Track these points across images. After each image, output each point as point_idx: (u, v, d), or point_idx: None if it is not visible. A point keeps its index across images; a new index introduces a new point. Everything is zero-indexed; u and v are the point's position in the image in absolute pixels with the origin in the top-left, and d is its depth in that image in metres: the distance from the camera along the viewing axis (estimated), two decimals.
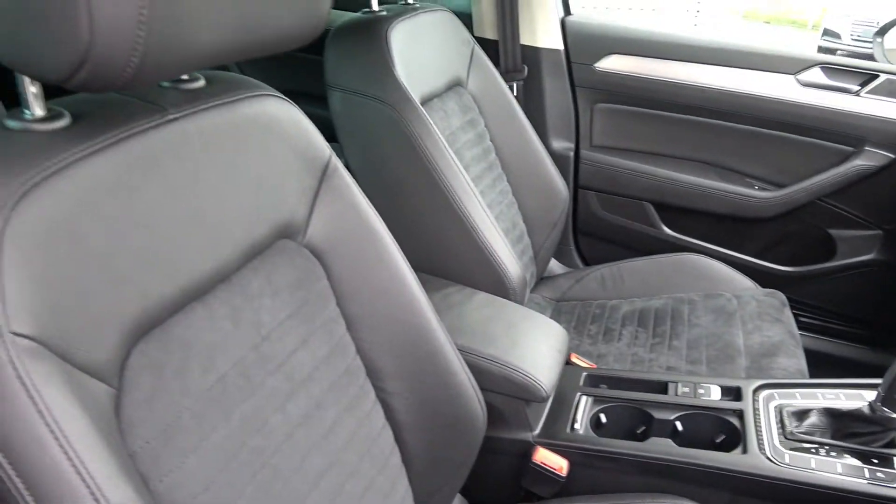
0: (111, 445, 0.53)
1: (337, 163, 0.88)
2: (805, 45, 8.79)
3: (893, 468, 0.96)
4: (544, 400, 1.10)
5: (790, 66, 1.71)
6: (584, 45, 1.85)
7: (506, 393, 1.10)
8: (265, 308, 0.76)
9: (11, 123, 0.59)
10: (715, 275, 1.70)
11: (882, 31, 1.78)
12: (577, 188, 1.95)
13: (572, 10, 1.92)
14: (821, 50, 8.55)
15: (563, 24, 1.84)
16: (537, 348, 1.15)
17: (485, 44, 1.74)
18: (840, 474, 0.96)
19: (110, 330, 0.57)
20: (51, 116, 0.59)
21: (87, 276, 0.56)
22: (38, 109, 0.59)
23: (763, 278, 1.72)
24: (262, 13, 0.60)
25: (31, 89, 0.58)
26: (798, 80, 1.71)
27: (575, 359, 1.34)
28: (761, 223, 1.84)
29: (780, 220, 1.83)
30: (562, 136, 1.91)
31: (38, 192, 0.53)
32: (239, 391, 0.70)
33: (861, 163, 1.68)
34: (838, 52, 8.36)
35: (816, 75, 1.70)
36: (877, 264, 1.75)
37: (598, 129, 1.91)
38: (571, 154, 1.92)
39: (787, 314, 1.55)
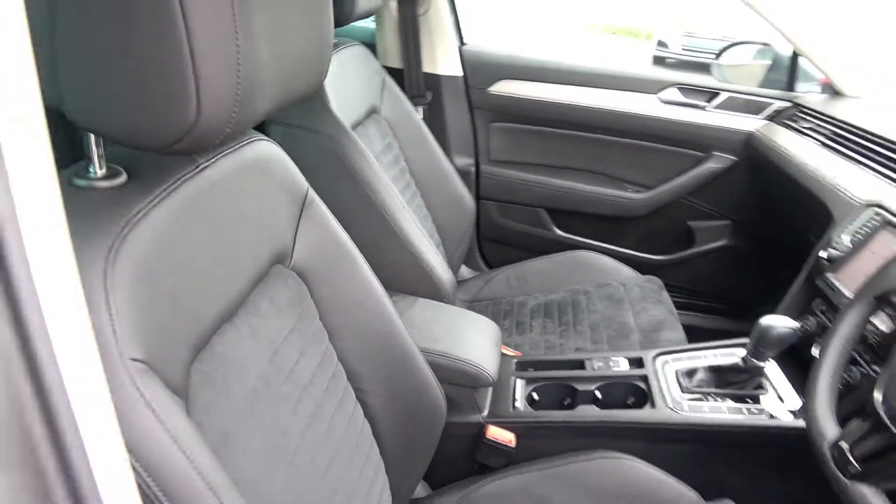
0: (210, 452, 0.63)
1: (313, 194, 1.01)
2: (641, 53, 9.71)
3: (760, 404, 1.24)
4: (491, 385, 1.29)
5: (652, 87, 2.02)
6: (479, 72, 2.07)
7: (458, 383, 1.27)
8: (273, 326, 0.89)
9: (79, 182, 0.68)
10: (603, 267, 1.98)
11: (719, 55, 2.14)
12: (479, 199, 2.17)
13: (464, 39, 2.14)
14: (655, 59, 9.51)
15: (460, 52, 2.05)
16: (478, 342, 1.34)
17: (391, 72, 1.91)
18: (725, 414, 1.22)
19: (181, 351, 0.68)
20: (110, 174, 0.69)
21: (165, 307, 0.66)
22: (101, 169, 0.69)
23: (641, 267, 2.01)
24: (297, 75, 0.74)
25: (97, 150, 0.68)
26: (659, 99, 2.03)
27: (503, 350, 1.54)
28: (636, 220, 2.15)
29: (650, 216, 2.14)
30: (463, 153, 2.12)
31: (126, 243, 0.63)
32: (265, 398, 0.83)
33: (711, 165, 2.02)
34: (668, 59, 9.37)
35: (673, 94, 2.02)
36: (728, 249, 2.10)
37: (494, 146, 2.14)
38: (473, 169, 2.14)
39: (665, 296, 1.84)
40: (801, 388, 1.25)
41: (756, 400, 1.26)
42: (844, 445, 0.84)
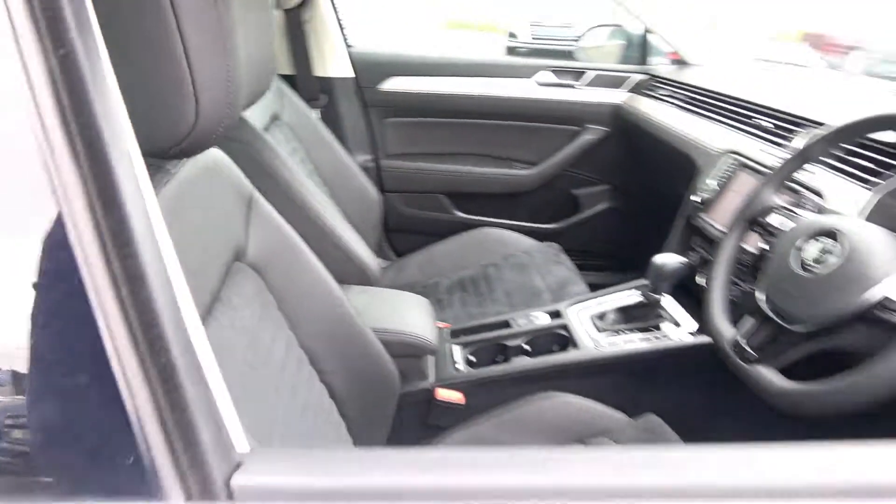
0: None
1: (256, 193, 1.08)
2: (495, 45, 10.15)
3: (662, 330, 1.45)
4: (434, 352, 1.40)
5: (527, 71, 2.22)
6: (368, 71, 2.17)
7: (405, 354, 1.37)
8: (247, 315, 0.95)
9: None
10: (505, 240, 2.14)
11: (580, 37, 2.38)
12: (383, 192, 2.27)
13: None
14: (508, 49, 10.00)
15: (349, 55, 2.14)
16: (415, 316, 1.45)
17: (285, 79, 1.96)
18: (638, 343, 1.42)
19: None
20: None
21: None
22: None
23: (538, 236, 2.20)
24: (259, 77, 0.81)
25: None
26: (535, 82, 2.22)
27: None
28: (527, 195, 2.34)
29: (539, 190, 2.34)
30: (362, 150, 2.22)
31: None
32: (252, 381, 0.89)
33: (587, 137, 2.25)
34: (519, 49, 9.89)
35: (547, 76, 2.23)
36: (611, 210, 2.34)
37: (390, 140, 2.25)
38: (373, 164, 2.24)
39: (564, 257, 2.04)
40: (694, 313, 1.47)
41: (658, 328, 1.46)
42: (741, 340, 1.03)
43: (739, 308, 1.21)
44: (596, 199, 2.36)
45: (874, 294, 0.86)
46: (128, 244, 0.40)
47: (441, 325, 1.66)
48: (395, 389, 1.26)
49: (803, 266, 0.96)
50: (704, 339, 1.40)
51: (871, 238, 0.92)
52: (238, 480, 0.43)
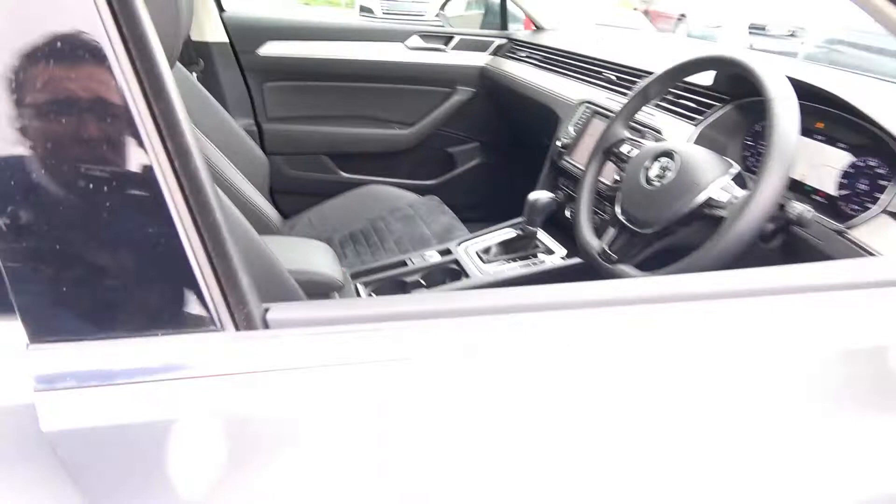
0: None
1: None
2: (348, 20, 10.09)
3: (538, 257, 1.68)
4: (341, 287, 1.53)
5: (399, 36, 2.36)
6: (244, 36, 2.21)
7: (315, 293, 1.49)
8: None
9: None
10: (390, 196, 2.29)
11: (443, 7, 2.55)
12: (266, 155, 2.32)
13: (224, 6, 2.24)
14: None
15: (223, 20, 2.16)
16: (320, 256, 1.56)
17: None
18: (520, 269, 1.63)
19: None
20: None
21: None
22: None
23: (418, 191, 2.37)
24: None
25: None
26: (406, 46, 2.37)
27: None
28: (405, 154, 2.50)
29: (416, 149, 2.50)
30: (243, 115, 2.26)
31: None
32: None
33: (457, 98, 2.44)
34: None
35: (417, 41, 2.38)
36: (483, 165, 2.56)
37: (271, 104, 2.31)
38: (255, 128, 2.28)
39: (446, 208, 2.22)
40: (564, 242, 1.71)
41: (536, 256, 1.69)
42: (605, 247, 1.26)
43: (602, 226, 1.45)
44: (469, 156, 2.57)
45: (701, 197, 1.11)
46: (175, 126, 0.51)
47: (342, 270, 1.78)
48: None
49: (648, 181, 1.20)
50: (574, 260, 1.65)
51: (697, 156, 1.17)
52: (271, 315, 0.57)
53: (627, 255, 1.23)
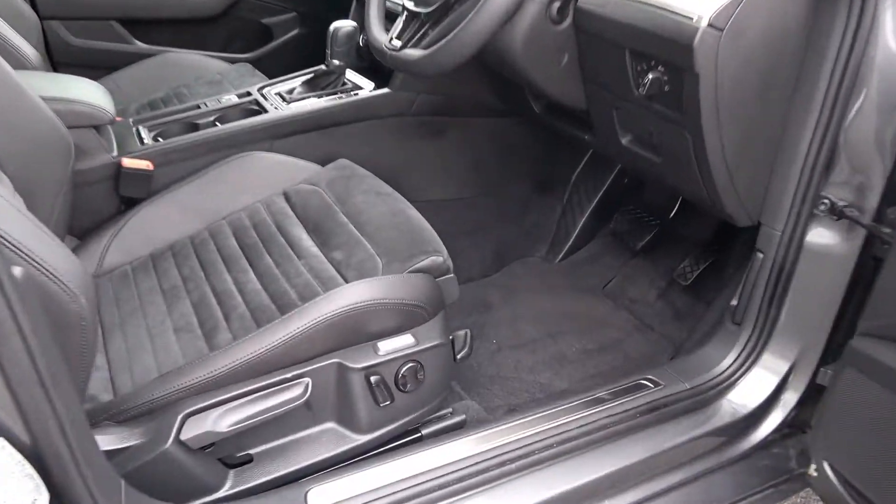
0: None
1: None
2: None
3: (353, 93, 1.55)
4: (110, 122, 1.33)
5: None
6: None
7: (79, 125, 1.28)
8: None
9: None
10: (195, 64, 2.06)
11: None
12: (40, 18, 2.00)
13: None
14: None
15: None
16: (88, 89, 1.35)
17: None
18: (331, 102, 1.51)
19: None
20: None
21: None
22: None
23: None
24: None
25: None
26: None
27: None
28: (214, 23, 2.25)
29: (227, 19, 2.27)
30: None
31: None
32: None
33: None
34: None
35: None
36: (302, 35, 2.37)
37: None
38: None
39: (259, 73, 2.03)
40: (373, 77, 1.59)
41: (344, 93, 1.56)
42: (393, 38, 1.16)
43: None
44: (286, 27, 2.37)
45: None
46: None
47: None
48: (68, 157, 1.18)
49: None
50: (383, 90, 1.54)
51: None
52: None
53: (410, 42, 1.16)
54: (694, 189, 1.12)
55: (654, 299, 1.60)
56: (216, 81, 1.96)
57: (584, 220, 1.79)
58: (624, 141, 1.22)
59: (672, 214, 1.66)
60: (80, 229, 1.33)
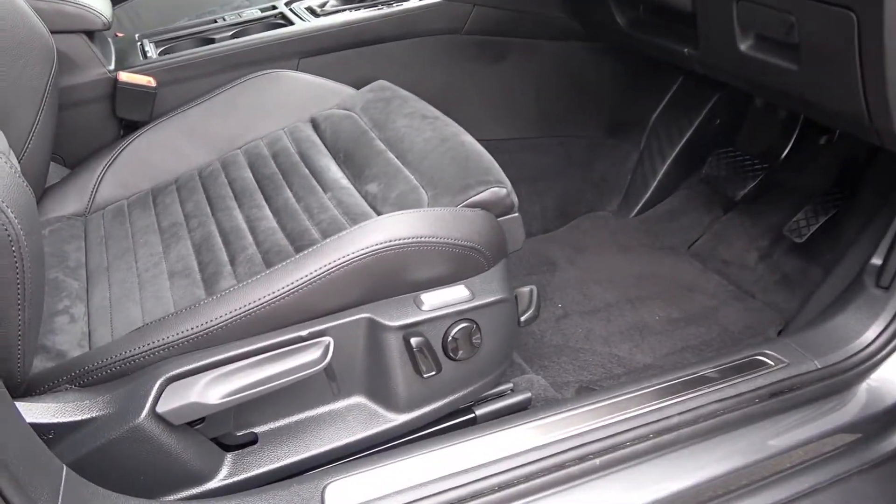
0: None
1: None
2: None
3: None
4: (106, 27, 1.11)
5: None
6: None
7: (65, 30, 1.06)
8: None
9: None
10: None
11: None
12: None
13: None
14: None
15: None
16: None
17: None
18: (364, 12, 1.26)
19: None
20: None
21: None
22: None
23: None
24: None
25: None
26: None
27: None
28: None
29: None
30: None
31: None
32: None
33: None
34: None
35: None
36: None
37: None
38: None
39: None
40: None
41: (389, 3, 1.31)
42: None
43: None
44: None
45: None
46: None
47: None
48: (49, 65, 0.96)
49: None
50: (433, 0, 1.28)
51: None
52: None
53: None
54: (847, 103, 0.83)
55: (754, 261, 1.32)
56: (244, 7, 1.73)
57: (665, 167, 1.51)
58: (743, 46, 0.94)
59: (783, 157, 1.36)
60: (72, 158, 1.13)
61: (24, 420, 0.54)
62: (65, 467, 0.57)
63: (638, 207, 1.52)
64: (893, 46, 0.73)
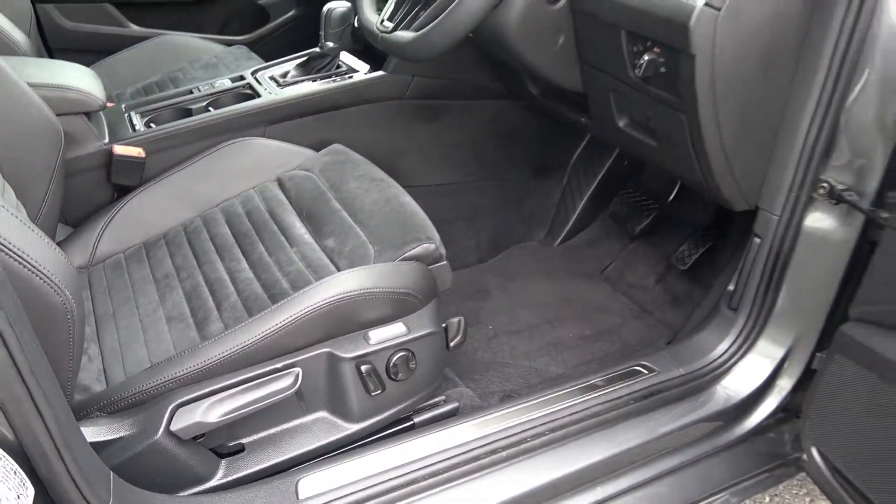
0: None
1: None
2: None
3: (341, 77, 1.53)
4: (101, 108, 1.31)
5: None
6: None
7: (69, 112, 1.26)
8: None
9: None
10: (190, 46, 2.04)
11: None
12: (34, 4, 1.97)
13: None
14: None
15: None
16: (77, 72, 1.33)
17: None
18: (327, 84, 1.49)
19: None
20: None
21: None
22: None
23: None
24: None
25: None
26: None
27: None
28: (210, 5, 2.23)
29: (222, 0, 2.24)
30: None
31: None
32: None
33: None
34: None
35: None
36: (297, 19, 2.34)
37: None
38: None
39: (255, 56, 2.01)
40: (368, 60, 1.57)
41: (338, 76, 1.54)
42: (385, 19, 1.14)
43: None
44: (283, 8, 2.34)
45: None
46: None
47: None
48: (58, 145, 1.16)
49: None
50: (377, 73, 1.51)
51: None
52: None
53: (402, 24, 1.14)
54: (690, 173, 1.10)
55: (652, 284, 1.59)
56: (212, 65, 1.94)
57: (583, 203, 1.77)
58: (621, 124, 1.20)
59: (671, 198, 1.64)
60: (73, 218, 1.33)
61: (86, 439, 0.75)
62: (111, 472, 0.78)
63: (561, 237, 1.78)
64: (711, 144, 1.00)
